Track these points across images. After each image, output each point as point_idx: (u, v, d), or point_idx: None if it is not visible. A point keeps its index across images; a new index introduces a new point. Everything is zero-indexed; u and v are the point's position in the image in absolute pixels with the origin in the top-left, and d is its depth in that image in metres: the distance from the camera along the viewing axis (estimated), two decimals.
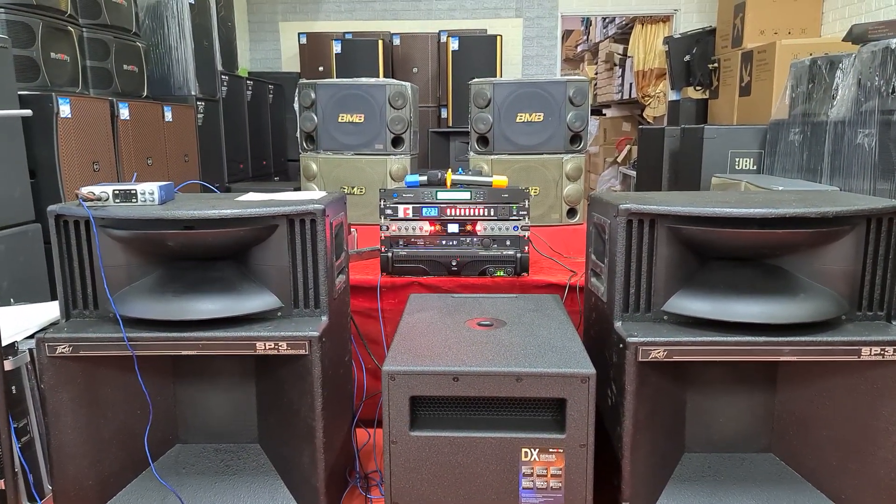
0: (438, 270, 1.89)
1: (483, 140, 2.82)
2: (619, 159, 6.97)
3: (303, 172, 2.92)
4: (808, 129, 2.82)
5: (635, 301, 1.38)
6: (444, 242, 1.88)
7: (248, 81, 3.97)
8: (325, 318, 1.43)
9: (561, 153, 2.79)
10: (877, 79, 2.27)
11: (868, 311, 1.39)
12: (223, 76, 3.59)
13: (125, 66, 2.86)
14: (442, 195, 1.86)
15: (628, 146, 6.99)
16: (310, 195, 1.53)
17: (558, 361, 1.20)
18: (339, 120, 2.83)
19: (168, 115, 2.96)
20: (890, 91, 2.17)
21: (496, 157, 2.80)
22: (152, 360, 1.43)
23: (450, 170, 1.92)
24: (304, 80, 2.89)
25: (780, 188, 2.52)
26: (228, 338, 1.36)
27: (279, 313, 1.44)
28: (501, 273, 1.87)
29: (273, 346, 1.36)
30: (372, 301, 1.92)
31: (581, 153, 2.82)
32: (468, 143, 4.22)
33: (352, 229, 2.26)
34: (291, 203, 1.41)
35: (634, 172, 6.04)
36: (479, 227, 1.87)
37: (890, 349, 1.29)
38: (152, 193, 1.41)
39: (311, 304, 1.45)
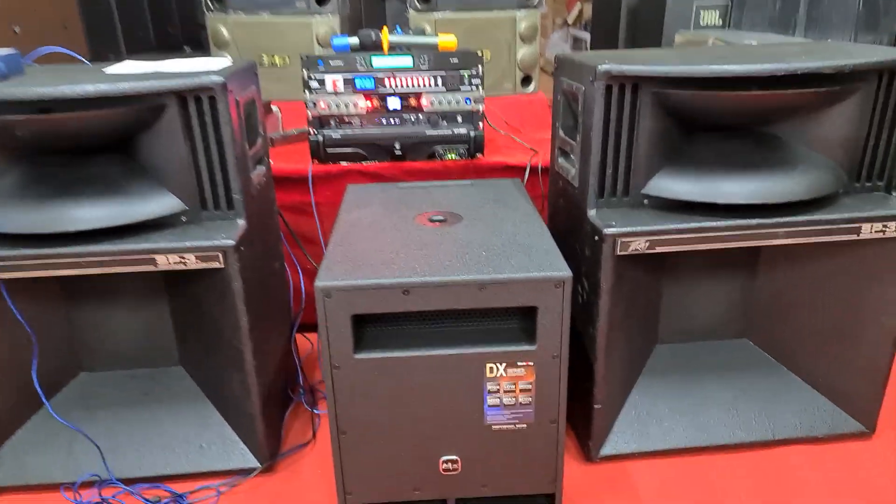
0: (379, 155, 1.62)
1: None
2: (569, 20, 6.50)
3: (211, 39, 2.47)
4: None
5: (612, 184, 1.17)
6: (384, 121, 1.59)
7: None
8: (241, 222, 1.17)
9: (513, 9, 2.43)
10: None
11: (867, 181, 1.23)
12: None
13: None
14: (378, 61, 1.54)
15: (579, 4, 6.49)
16: (205, 63, 1.20)
17: (527, 264, 1.00)
18: None
19: None
20: None
21: (440, 15, 2.42)
22: (29, 281, 1.15)
23: (385, 28, 1.58)
24: None
25: (754, 42, 2.28)
26: (120, 252, 1.09)
27: (184, 218, 1.17)
28: (453, 155, 1.62)
29: (179, 259, 1.10)
30: (303, 194, 1.65)
31: (537, 8, 2.47)
32: (406, 2, 3.74)
33: (273, 107, 1.92)
34: (180, 75, 1.09)
35: (587, 35, 5.64)
36: (424, 100, 1.57)
37: (892, 225, 1.15)
38: None
39: (222, 205, 1.18)
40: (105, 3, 2.94)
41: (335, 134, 1.59)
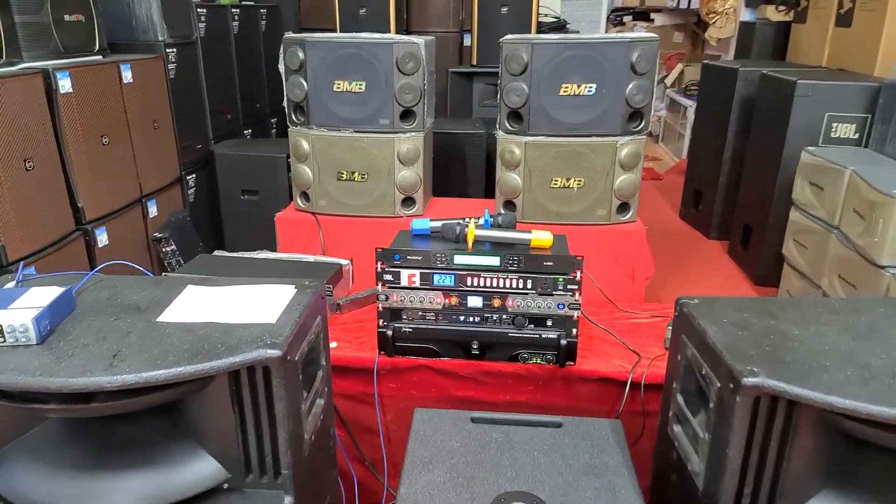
0: (454, 352, 1.42)
1: (515, 116, 2.22)
2: (667, 81, 6.13)
3: (292, 152, 2.38)
4: None
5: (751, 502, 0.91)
6: (461, 318, 1.39)
7: (233, 11, 3.30)
8: (289, 500, 1.00)
9: (615, 135, 2.19)
10: None
11: None
12: (200, 10, 2.94)
13: (67, 17, 2.26)
14: (461, 259, 1.34)
15: (680, 65, 6.11)
16: (268, 311, 1.04)
17: None
18: (335, 88, 2.24)
19: (127, 76, 2.39)
20: None
21: (532, 138, 2.21)
22: None
23: (472, 222, 1.38)
24: (291, 35, 2.27)
25: None
26: None
27: (225, 485, 1.01)
28: (538, 360, 1.39)
29: None
30: (366, 384, 1.47)
31: (641, 135, 2.21)
32: (495, 86, 3.56)
33: (343, 263, 1.77)
34: (233, 348, 0.93)
35: (687, 102, 5.27)
36: (509, 301, 1.36)
37: None
38: (25, 330, 0.94)
39: (268, 472, 1.01)
40: (196, 94, 2.94)
41: (406, 328, 1.41)
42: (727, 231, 3.45)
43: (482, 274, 1.34)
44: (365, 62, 2.20)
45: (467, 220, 1.41)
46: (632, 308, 1.69)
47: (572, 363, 1.39)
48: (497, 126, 2.27)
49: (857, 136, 2.72)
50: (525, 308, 1.36)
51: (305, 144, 2.32)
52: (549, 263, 1.32)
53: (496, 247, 1.37)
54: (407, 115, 2.27)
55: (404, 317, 1.41)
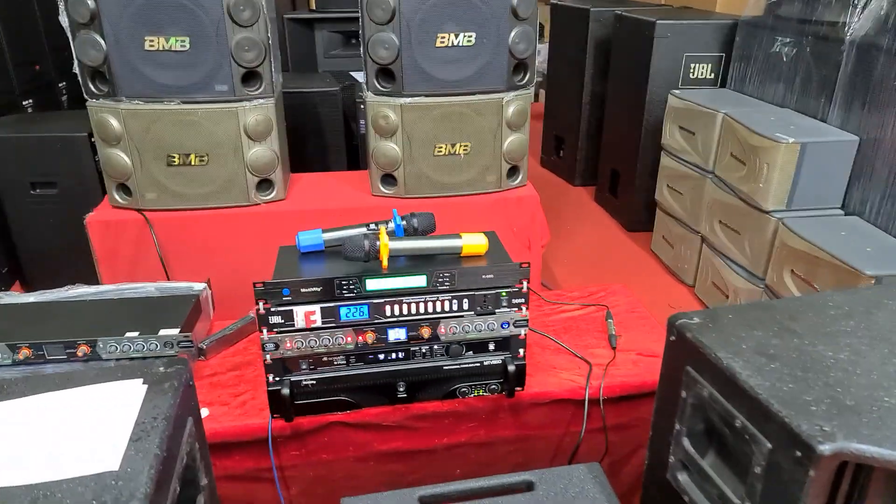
0: (375, 399, 1.10)
1: (386, 73, 1.86)
2: None
3: (97, 133, 1.80)
4: (806, 43, 2.17)
5: None
6: (381, 357, 1.07)
7: None
8: None
9: (500, 91, 1.92)
10: None
11: None
12: None
13: None
14: (375, 284, 1.00)
15: None
16: (104, 445, 0.63)
17: None
18: (148, 47, 1.70)
19: None
20: None
21: (408, 100, 1.87)
22: None
23: (383, 228, 1.03)
24: None
25: (791, 140, 1.91)
26: None
27: None
28: (480, 392, 1.12)
29: None
30: (260, 458, 1.10)
31: (527, 89, 1.97)
32: (342, 34, 3.10)
33: (199, 290, 1.33)
34: None
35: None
36: (442, 328, 1.06)
37: None
38: None
39: None
40: None
41: (307, 380, 1.06)
42: (592, 177, 3.42)
43: (405, 299, 1.02)
44: (185, 11, 1.68)
45: (375, 226, 1.06)
46: (558, 298, 1.48)
47: (521, 389, 1.14)
48: (365, 87, 1.89)
49: (713, 76, 2.74)
50: (462, 333, 1.07)
51: (115, 122, 1.76)
52: (488, 276, 1.03)
53: (418, 261, 1.04)
54: (250, 77, 1.79)
55: (304, 367, 1.05)
